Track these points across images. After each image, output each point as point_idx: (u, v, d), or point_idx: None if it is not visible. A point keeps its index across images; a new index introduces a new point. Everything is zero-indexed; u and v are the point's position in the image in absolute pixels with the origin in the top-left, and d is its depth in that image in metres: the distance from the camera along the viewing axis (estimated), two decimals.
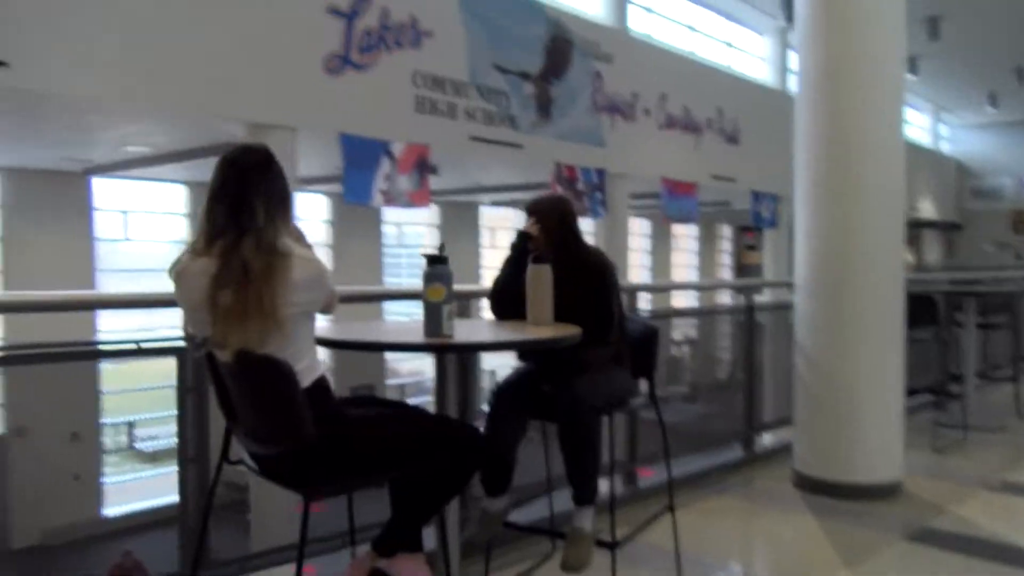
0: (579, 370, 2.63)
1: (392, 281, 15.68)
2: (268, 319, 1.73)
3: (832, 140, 4.24)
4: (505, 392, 2.74)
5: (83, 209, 11.93)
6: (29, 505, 7.50)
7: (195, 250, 1.84)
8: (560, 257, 2.68)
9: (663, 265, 20.19)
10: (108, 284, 12.13)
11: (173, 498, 2.75)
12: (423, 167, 9.35)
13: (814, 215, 4.32)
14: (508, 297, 2.71)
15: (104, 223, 12.35)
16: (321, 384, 1.89)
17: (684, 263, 21.19)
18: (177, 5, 7.14)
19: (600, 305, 2.70)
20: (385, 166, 8.87)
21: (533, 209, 2.83)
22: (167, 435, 11.79)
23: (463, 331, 2.27)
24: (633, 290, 4.49)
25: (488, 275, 17.25)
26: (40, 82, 6.43)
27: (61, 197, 11.56)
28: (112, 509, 11.16)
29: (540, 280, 2.52)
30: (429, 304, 2.08)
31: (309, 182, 11.58)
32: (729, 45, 15.88)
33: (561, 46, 11.05)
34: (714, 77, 14.43)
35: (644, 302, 4.84)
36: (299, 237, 1.98)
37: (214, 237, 1.81)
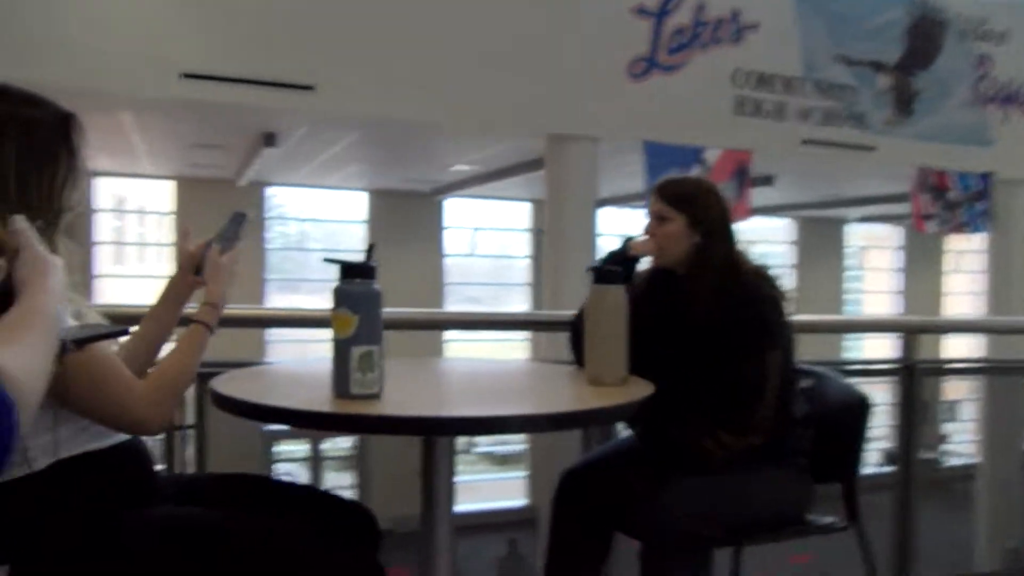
0: (693, 467, 1.71)
1: None
2: None
3: None
4: (578, 484, 1.90)
5: (435, 228, 12.85)
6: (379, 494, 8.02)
7: None
8: (696, 275, 1.80)
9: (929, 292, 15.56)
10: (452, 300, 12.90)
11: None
12: (743, 176, 8.30)
13: None
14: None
15: (453, 240, 13.17)
16: (67, 469, 1.29)
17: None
18: (476, 21, 7.10)
19: (738, 363, 1.75)
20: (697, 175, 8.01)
21: (663, 192, 1.94)
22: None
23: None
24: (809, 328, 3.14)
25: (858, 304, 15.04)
26: (350, 107, 6.83)
27: (414, 216, 12.55)
28: (460, 506, 11.72)
29: (607, 309, 1.67)
30: (336, 343, 1.39)
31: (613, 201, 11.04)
32: None
33: (929, 29, 9.15)
34: None
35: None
36: None
37: None
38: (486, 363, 2.40)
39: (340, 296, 1.37)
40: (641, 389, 1.59)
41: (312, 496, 1.67)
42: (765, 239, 14.64)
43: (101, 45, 6.08)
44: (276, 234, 17.16)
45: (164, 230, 13.55)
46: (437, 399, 1.66)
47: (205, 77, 6.45)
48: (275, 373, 2.02)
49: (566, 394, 1.66)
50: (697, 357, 1.77)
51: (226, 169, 11.38)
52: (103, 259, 13.32)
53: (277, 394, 1.54)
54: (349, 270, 1.38)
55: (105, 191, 13.31)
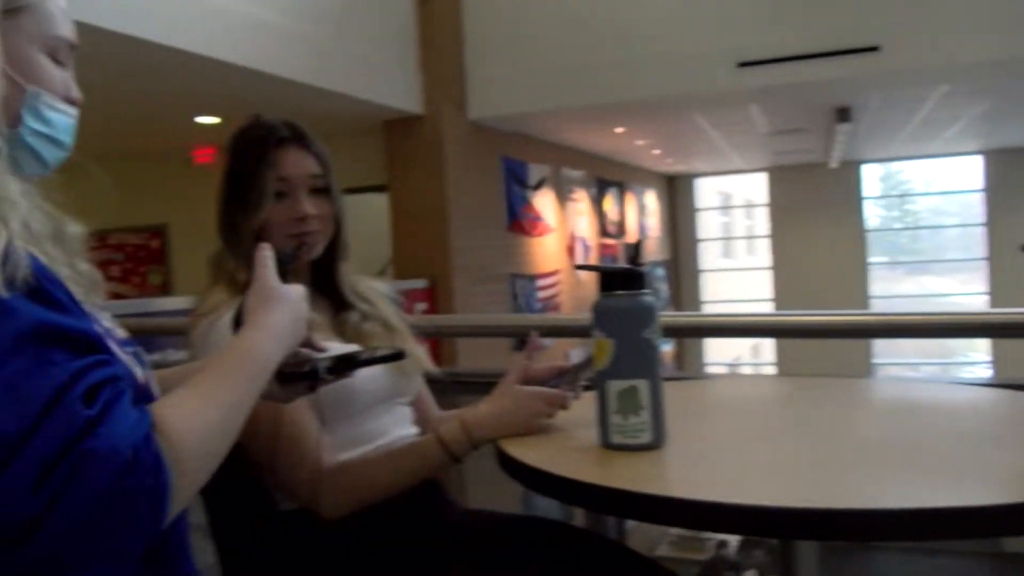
0: None
1: None
2: None
3: None
4: None
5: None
6: None
7: None
8: None
9: None
10: None
11: None
12: None
13: None
14: None
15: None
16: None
17: None
18: None
19: None
20: None
21: None
22: None
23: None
24: None
25: None
26: None
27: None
28: None
29: None
30: (597, 375, 1.03)
31: None
32: None
33: None
34: None
35: None
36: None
37: None
38: (898, 386, 1.60)
39: (594, 315, 1.02)
40: None
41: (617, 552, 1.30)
42: None
43: (659, 54, 6.34)
44: (900, 213, 15.92)
45: (762, 222, 13.68)
46: (761, 458, 1.10)
47: (760, 62, 6.22)
48: None
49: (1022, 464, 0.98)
50: None
51: (814, 152, 10.93)
52: (711, 255, 14.06)
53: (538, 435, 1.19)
54: (608, 279, 1.02)
55: (709, 190, 14.05)
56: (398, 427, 1.30)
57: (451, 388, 1.55)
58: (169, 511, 0.64)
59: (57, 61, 0.82)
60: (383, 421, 1.28)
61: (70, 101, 0.84)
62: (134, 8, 4.02)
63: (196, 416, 0.70)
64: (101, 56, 4.29)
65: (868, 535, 0.88)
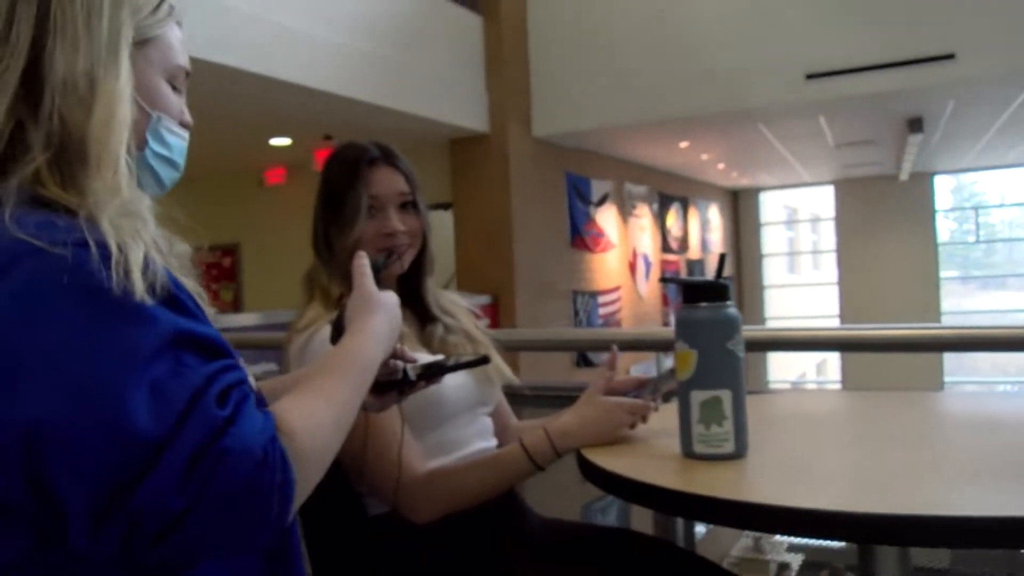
0: None
1: None
2: None
3: None
4: None
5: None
6: None
7: None
8: None
9: None
10: None
11: None
12: None
13: None
14: None
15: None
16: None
17: None
18: None
19: None
20: None
21: None
22: None
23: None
24: None
25: None
26: None
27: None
28: None
29: None
30: (680, 386, 1.05)
31: None
32: None
33: None
34: None
35: None
36: None
37: None
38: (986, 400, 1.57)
39: (678, 325, 1.05)
40: None
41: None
42: None
43: (725, 68, 6.32)
44: (973, 226, 15.39)
45: (828, 236, 13.41)
46: (840, 467, 1.11)
47: (829, 73, 6.15)
48: None
49: None
50: None
51: (883, 165, 10.71)
52: (776, 270, 13.84)
53: (620, 446, 1.22)
54: (691, 291, 1.04)
55: (774, 204, 13.84)
56: (480, 439, 1.34)
57: (521, 400, 1.58)
58: (294, 506, 0.68)
59: (174, 88, 0.89)
60: (467, 432, 1.32)
61: (184, 125, 0.90)
62: (213, 35, 4.20)
63: (313, 416, 0.74)
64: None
65: (943, 541, 0.88)
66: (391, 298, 0.98)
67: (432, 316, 1.38)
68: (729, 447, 1.02)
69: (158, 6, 0.84)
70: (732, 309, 1.05)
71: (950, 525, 0.80)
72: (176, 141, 0.89)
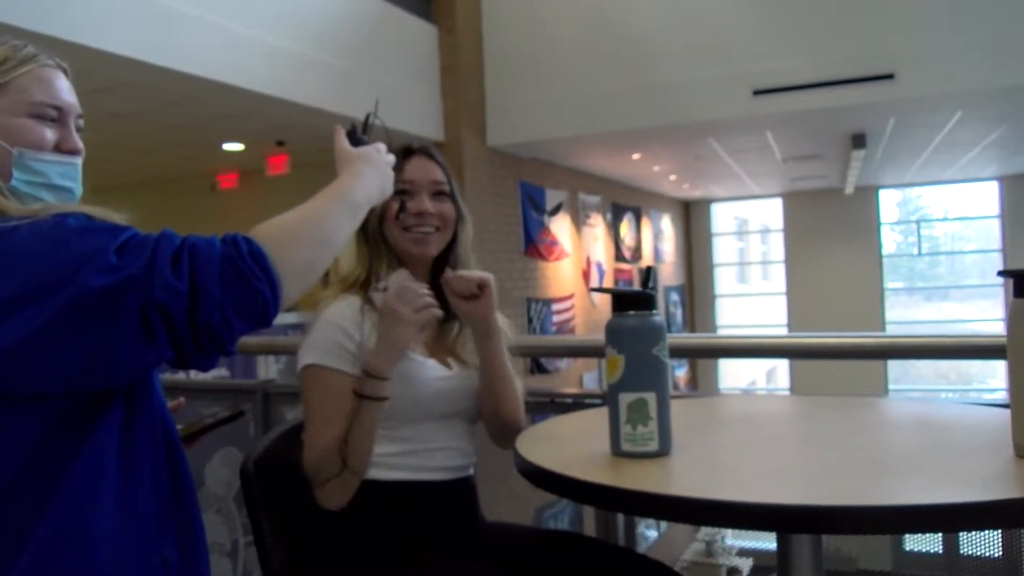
0: None
1: None
2: None
3: None
4: None
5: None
6: None
7: None
8: None
9: None
10: None
11: None
12: None
13: None
14: None
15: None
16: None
17: None
18: None
19: None
20: None
21: None
22: None
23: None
24: None
25: None
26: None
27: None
28: None
29: None
30: (608, 388, 1.11)
31: None
32: None
33: None
34: None
35: None
36: None
37: None
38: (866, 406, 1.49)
39: (607, 333, 1.11)
40: None
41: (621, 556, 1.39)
42: None
43: (676, 82, 6.45)
44: (917, 239, 15.80)
45: (777, 247, 13.70)
46: (761, 463, 1.16)
47: (776, 90, 6.31)
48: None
49: (990, 470, 1.05)
50: None
51: (829, 178, 11.00)
52: (727, 280, 14.09)
53: (555, 445, 1.28)
54: (620, 301, 1.11)
55: (725, 215, 14.10)
56: (453, 440, 1.37)
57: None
58: (276, 266, 0.87)
59: (48, 119, 0.99)
60: (439, 434, 1.35)
61: (67, 151, 1.00)
62: (165, 41, 4.18)
63: (276, 220, 0.93)
64: (136, 86, 4.44)
65: (853, 528, 0.95)
66: (367, 149, 1.14)
67: (451, 313, 1.40)
68: (654, 445, 1.09)
69: (6, 59, 0.96)
70: (658, 318, 1.12)
71: (858, 515, 0.87)
72: (49, 167, 0.99)
